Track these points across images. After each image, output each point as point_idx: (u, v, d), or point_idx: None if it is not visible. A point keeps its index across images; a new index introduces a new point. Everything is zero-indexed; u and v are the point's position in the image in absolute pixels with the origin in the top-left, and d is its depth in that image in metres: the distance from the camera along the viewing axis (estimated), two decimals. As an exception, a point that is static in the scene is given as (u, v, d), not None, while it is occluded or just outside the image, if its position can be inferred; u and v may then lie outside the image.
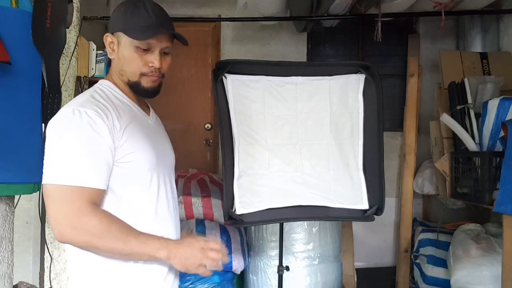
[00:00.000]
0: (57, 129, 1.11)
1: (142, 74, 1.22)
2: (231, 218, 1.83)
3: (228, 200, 1.83)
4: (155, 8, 1.23)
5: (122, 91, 1.25)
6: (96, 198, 1.10)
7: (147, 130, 1.25)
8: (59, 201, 1.06)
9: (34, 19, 1.74)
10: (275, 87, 1.90)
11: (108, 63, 2.35)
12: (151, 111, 1.36)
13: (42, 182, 1.08)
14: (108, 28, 1.28)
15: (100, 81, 1.27)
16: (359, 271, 3.18)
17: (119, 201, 1.15)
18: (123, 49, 1.21)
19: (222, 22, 3.47)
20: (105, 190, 1.12)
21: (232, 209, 1.82)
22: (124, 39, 1.20)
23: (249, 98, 1.88)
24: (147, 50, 1.20)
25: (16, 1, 1.78)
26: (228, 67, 1.86)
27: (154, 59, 1.21)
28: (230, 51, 3.49)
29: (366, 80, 1.91)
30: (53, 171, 1.07)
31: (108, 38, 1.24)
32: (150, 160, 1.20)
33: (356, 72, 1.93)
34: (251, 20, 3.12)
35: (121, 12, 1.22)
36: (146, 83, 1.23)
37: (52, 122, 1.13)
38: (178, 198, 2.75)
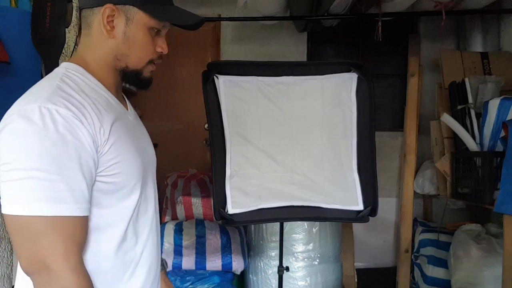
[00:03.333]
0: (19, 137, 0.79)
1: (150, 62, 1.00)
2: (222, 217, 1.83)
3: (220, 200, 1.82)
4: None
5: (98, 79, 0.96)
6: (83, 232, 0.85)
7: (131, 130, 1.00)
8: (36, 239, 0.79)
9: (33, 19, 1.73)
10: (267, 87, 1.90)
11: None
12: (128, 103, 1.09)
13: (4, 212, 0.80)
14: None
15: (65, 65, 0.95)
16: (359, 271, 3.17)
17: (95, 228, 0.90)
18: (136, 29, 0.94)
19: (222, 22, 3.46)
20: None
21: (224, 209, 1.82)
22: (140, 16, 0.94)
23: (241, 98, 1.88)
24: (157, 32, 0.99)
25: (16, 1, 1.78)
26: (218, 68, 1.85)
27: (163, 43, 1.00)
28: (230, 50, 3.49)
29: (358, 79, 1.91)
30: (23, 198, 0.78)
31: (107, 10, 0.92)
32: (138, 170, 0.96)
33: (348, 71, 1.92)
34: (251, 20, 3.11)
35: None
36: (147, 72, 1.01)
37: (10, 128, 0.80)
38: (178, 198, 2.77)
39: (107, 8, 0.91)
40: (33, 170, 0.77)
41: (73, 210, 0.81)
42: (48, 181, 0.78)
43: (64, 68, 0.94)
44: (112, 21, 0.93)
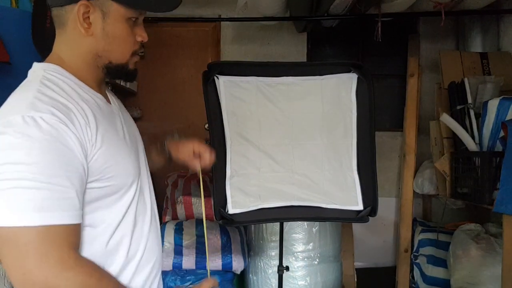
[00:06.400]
0: (5, 150, 0.76)
1: (133, 54, 0.97)
2: (222, 217, 1.84)
3: (220, 200, 1.83)
4: None
5: (78, 77, 0.93)
6: (76, 238, 0.82)
7: (117, 124, 0.99)
8: (26, 251, 0.74)
9: (34, 19, 1.74)
10: (267, 87, 1.90)
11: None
12: (110, 95, 1.07)
13: None
14: None
15: (42, 66, 0.92)
16: (359, 271, 3.17)
17: (91, 234, 0.89)
18: (115, 23, 0.91)
19: (222, 22, 3.46)
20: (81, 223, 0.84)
21: (224, 209, 1.82)
22: (115, 8, 0.90)
23: (241, 98, 1.88)
24: (135, 21, 0.95)
25: (16, 1, 1.78)
26: (219, 68, 1.86)
27: (142, 31, 0.97)
28: (230, 51, 3.49)
29: (358, 79, 1.91)
30: (10, 208, 0.75)
31: (82, 7, 0.88)
32: (133, 167, 0.95)
33: (348, 71, 1.92)
34: (251, 20, 3.11)
35: None
36: (132, 64, 0.99)
37: None
38: (178, 198, 2.77)
39: (82, 5, 0.88)
40: (19, 180, 0.75)
41: (61, 218, 0.78)
42: (36, 189, 0.75)
43: (42, 70, 0.90)
44: (88, 17, 0.89)
